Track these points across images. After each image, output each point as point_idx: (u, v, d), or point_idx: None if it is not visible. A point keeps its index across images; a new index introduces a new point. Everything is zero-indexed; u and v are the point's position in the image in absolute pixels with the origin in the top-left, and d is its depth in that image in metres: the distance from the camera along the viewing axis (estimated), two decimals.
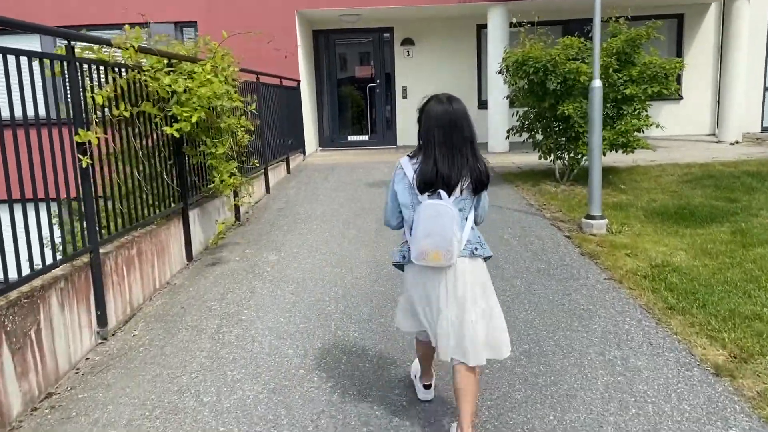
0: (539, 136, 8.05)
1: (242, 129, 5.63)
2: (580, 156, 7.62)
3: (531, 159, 9.97)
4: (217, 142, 5.10)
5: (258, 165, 7.71)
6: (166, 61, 4.78)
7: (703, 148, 10.78)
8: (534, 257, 5.05)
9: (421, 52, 12.90)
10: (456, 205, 2.40)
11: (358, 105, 13.48)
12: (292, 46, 11.05)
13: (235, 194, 6.43)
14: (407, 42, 12.85)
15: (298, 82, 10.98)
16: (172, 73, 4.67)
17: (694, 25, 12.84)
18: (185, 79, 4.74)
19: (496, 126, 11.22)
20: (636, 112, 7.33)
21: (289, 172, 9.68)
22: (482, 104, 12.89)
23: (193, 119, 4.63)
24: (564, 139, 7.66)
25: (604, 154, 7.40)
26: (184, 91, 4.66)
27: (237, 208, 6.51)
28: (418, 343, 2.81)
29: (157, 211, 4.67)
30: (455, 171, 2.38)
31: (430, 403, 2.92)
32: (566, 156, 7.93)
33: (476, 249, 2.49)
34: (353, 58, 13.70)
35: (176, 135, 4.68)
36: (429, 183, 2.39)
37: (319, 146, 13.18)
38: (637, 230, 5.71)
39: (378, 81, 13.12)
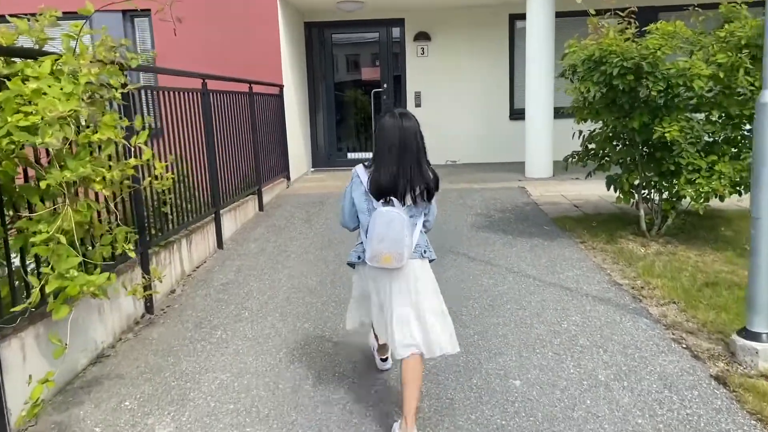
0: (616, 168, 5.49)
1: (122, 176, 3.13)
2: (680, 199, 5.06)
3: (588, 190, 7.39)
4: (43, 214, 2.60)
5: (196, 217, 5.23)
6: None
7: None
8: None
9: (438, 49, 10.37)
10: (407, 212, 2.59)
11: (360, 115, 10.97)
12: (273, 38, 8.57)
13: (145, 270, 3.98)
14: (421, 37, 10.33)
15: (281, 87, 8.50)
16: None
17: None
18: None
19: (537, 144, 8.64)
20: None
21: (261, 208, 7.19)
22: (516, 115, 10.32)
23: None
24: (656, 173, 5.10)
25: (725, 197, 4.84)
26: None
27: (150, 290, 4.03)
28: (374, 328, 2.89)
29: None
30: (403, 182, 2.56)
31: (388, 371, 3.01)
32: (657, 198, 5.37)
33: (425, 252, 2.70)
34: (355, 57, 11.19)
35: None
36: (381, 192, 2.58)
37: (312, 167, 10.69)
38: None
39: (385, 85, 10.60)
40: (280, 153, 8.36)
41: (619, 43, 4.75)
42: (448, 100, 10.43)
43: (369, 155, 10.45)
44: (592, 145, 5.62)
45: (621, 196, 5.37)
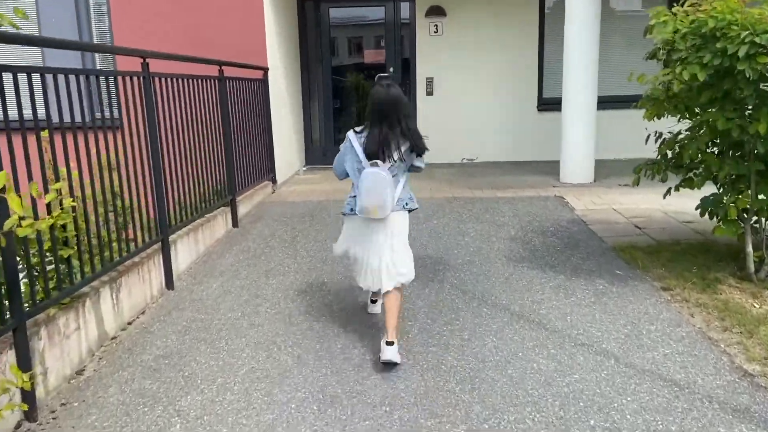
0: (710, 185, 3.99)
1: None
2: None
3: (645, 202, 5.92)
4: None
5: (129, 252, 3.76)
6: None
7: None
8: None
9: (454, 27, 8.81)
10: (391, 171, 3.05)
11: (362, 103, 9.41)
12: (255, 11, 7.02)
13: (20, 356, 2.53)
14: (435, 12, 8.76)
15: (265, 71, 6.97)
16: None
17: None
18: None
19: (575, 142, 7.11)
20: None
21: (235, 224, 5.70)
22: (546, 105, 8.80)
23: None
24: None
25: None
26: None
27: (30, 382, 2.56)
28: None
29: None
30: (392, 143, 3.02)
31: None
32: None
33: (406, 204, 3.21)
34: (356, 36, 9.60)
35: None
36: (372, 154, 3.04)
37: (305, 164, 9.17)
38: None
39: (391, 69, 9.05)
40: (263, 151, 6.85)
41: (741, 9, 3.22)
42: (464, 87, 8.88)
43: None
44: (670, 151, 4.11)
45: (723, 225, 3.86)
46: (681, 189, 4.18)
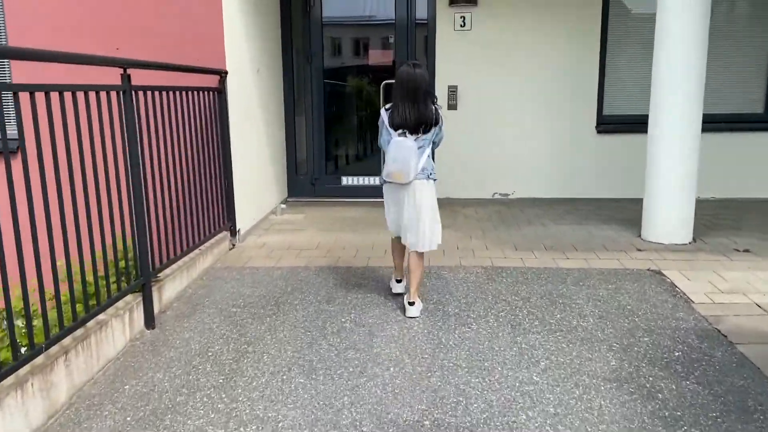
0: None
1: None
2: None
3: None
4: None
5: None
6: None
7: None
8: None
9: (486, 20, 6.64)
10: (417, 142, 3.41)
11: (365, 115, 7.25)
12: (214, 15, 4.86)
13: None
14: (462, 0, 6.60)
15: (222, 75, 4.80)
16: None
17: None
18: None
19: (669, 184, 4.93)
20: None
21: (150, 323, 3.50)
22: (606, 125, 6.71)
23: None
24: None
25: None
26: None
27: None
28: (393, 243, 3.80)
29: None
30: (414, 117, 3.39)
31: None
32: None
33: (430, 174, 3.50)
34: (357, 32, 7.40)
35: None
36: (398, 125, 3.41)
37: (287, 197, 7.01)
38: None
39: None
40: (213, 192, 4.69)
41: None
42: (498, 99, 6.72)
43: (377, 179, 6.56)
44: None
45: None
46: None
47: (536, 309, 3.67)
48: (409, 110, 3.38)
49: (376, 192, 7.07)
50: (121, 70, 3.28)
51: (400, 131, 3.39)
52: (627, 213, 5.93)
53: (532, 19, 6.56)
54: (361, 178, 7.04)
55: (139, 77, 3.42)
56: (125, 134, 3.30)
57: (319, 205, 6.77)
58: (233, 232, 5.05)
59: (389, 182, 3.52)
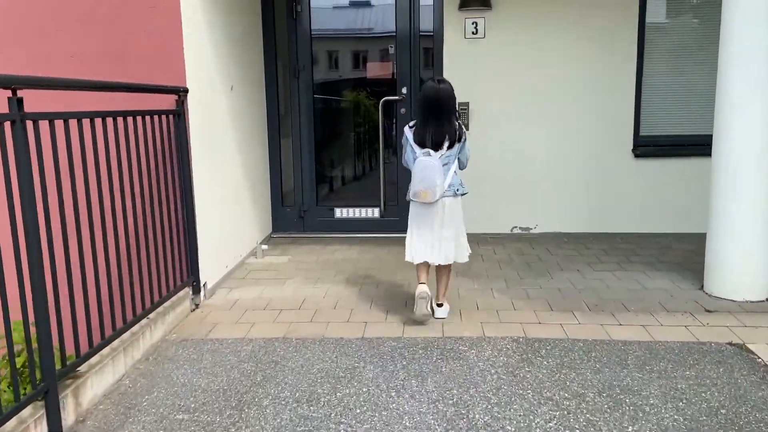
0: None
1: None
2: None
3: None
4: None
5: None
6: None
7: None
8: None
9: (503, 27, 5.68)
10: (442, 160, 3.44)
11: (362, 137, 6.25)
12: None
13: None
14: (474, 3, 5.63)
15: (180, 94, 3.81)
16: None
17: None
18: None
19: (741, 225, 3.92)
20: None
21: None
22: (645, 147, 5.74)
23: None
24: None
25: None
26: None
27: None
28: (418, 266, 3.66)
29: None
30: (439, 135, 3.43)
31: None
32: None
33: (458, 190, 3.54)
34: (353, 41, 6.41)
35: None
36: (422, 143, 3.47)
37: (272, 231, 6.01)
38: None
39: (405, 91, 5.89)
40: (168, 239, 3.69)
41: None
42: (516, 118, 5.74)
43: (376, 213, 6.00)
44: None
45: None
46: None
47: (597, 415, 2.66)
48: (433, 128, 3.45)
49: (374, 226, 6.14)
50: (8, 93, 2.30)
51: (424, 150, 3.45)
52: (675, 254, 4.94)
53: (556, 22, 5.60)
54: (357, 210, 6.05)
55: (79, 102, 2.43)
56: (11, 181, 2.31)
57: (309, 242, 5.77)
58: (196, 289, 4.04)
59: (414, 201, 3.56)
